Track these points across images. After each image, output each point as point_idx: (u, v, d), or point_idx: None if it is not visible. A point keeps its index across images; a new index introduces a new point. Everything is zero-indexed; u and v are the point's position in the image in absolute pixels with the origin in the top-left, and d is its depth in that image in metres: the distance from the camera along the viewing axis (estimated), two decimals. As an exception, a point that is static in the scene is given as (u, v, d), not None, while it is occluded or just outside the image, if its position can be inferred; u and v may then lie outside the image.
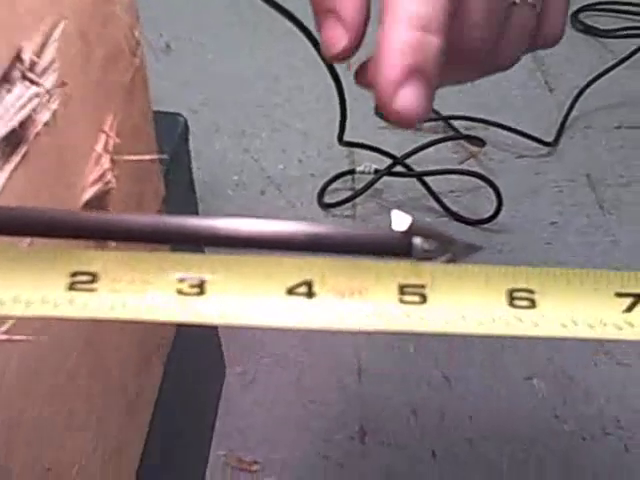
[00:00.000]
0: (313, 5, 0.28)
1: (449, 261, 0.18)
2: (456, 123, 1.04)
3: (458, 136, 1.00)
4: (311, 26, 0.77)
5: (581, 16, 1.22)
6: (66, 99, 0.27)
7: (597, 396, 0.73)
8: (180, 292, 0.17)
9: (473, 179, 0.93)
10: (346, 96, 0.95)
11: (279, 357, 0.77)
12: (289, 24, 0.64)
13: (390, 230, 0.18)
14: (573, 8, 1.25)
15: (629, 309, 0.17)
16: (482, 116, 1.04)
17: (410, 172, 0.94)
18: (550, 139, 1.01)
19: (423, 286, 0.17)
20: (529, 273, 0.18)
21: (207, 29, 1.24)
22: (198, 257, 0.18)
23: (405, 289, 0.17)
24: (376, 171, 0.94)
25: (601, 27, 1.21)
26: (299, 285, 0.17)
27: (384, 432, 0.71)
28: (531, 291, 0.17)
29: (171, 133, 0.50)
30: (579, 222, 0.91)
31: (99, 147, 0.32)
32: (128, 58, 0.35)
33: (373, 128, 1.05)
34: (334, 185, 0.96)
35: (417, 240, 0.18)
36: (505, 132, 1.01)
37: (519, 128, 1.01)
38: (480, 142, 0.97)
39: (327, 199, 0.94)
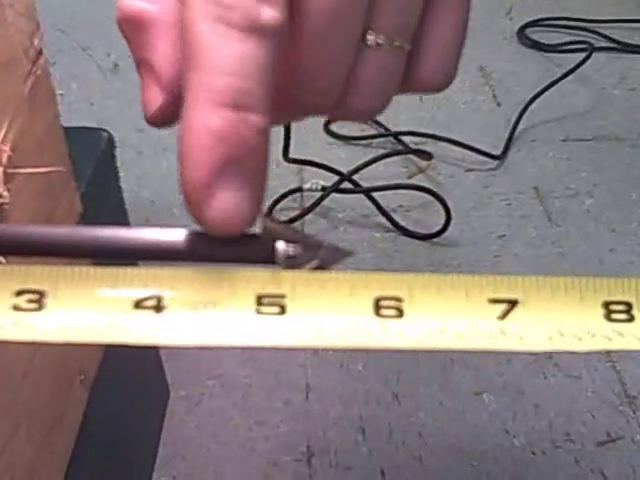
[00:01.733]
0: (131, 51, 0.22)
1: (316, 268, 0.17)
2: (406, 139, 1.04)
3: (405, 150, 1.00)
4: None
5: (527, 31, 1.24)
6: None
7: (547, 410, 0.73)
8: (17, 308, 0.16)
9: (422, 194, 0.93)
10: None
11: (225, 378, 0.75)
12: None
13: (250, 234, 0.17)
14: (519, 24, 1.27)
15: (503, 316, 0.16)
16: (431, 131, 1.04)
17: (358, 188, 0.93)
18: (498, 152, 1.01)
19: (283, 296, 0.16)
20: (397, 280, 0.16)
21: (155, 48, 1.23)
22: (37, 269, 0.16)
23: (263, 299, 0.16)
24: (324, 188, 0.93)
25: (546, 42, 1.22)
26: (147, 298, 0.16)
27: (332, 452, 0.69)
28: (399, 299, 0.16)
29: (93, 149, 0.49)
30: (527, 234, 0.91)
31: (-10, 161, 0.30)
32: (26, 67, 0.34)
33: (322, 143, 1.05)
34: (283, 203, 0.95)
35: (280, 245, 0.17)
36: (454, 146, 1.02)
37: (467, 142, 1.01)
38: (428, 156, 0.97)
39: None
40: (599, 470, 0.68)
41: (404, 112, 1.10)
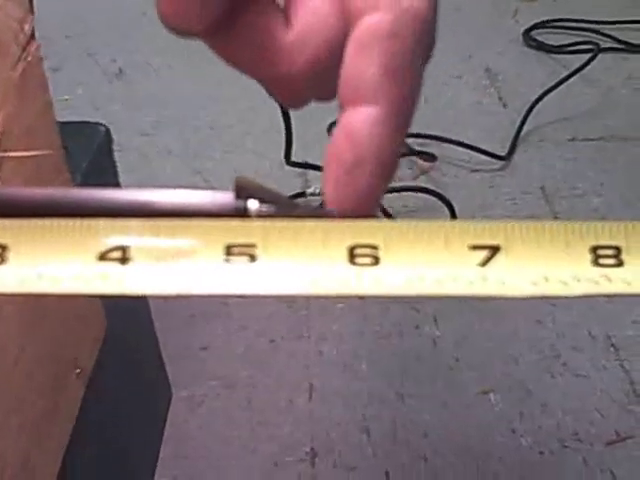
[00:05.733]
0: None
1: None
2: (410, 140, 1.04)
3: (408, 152, 0.99)
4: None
5: (533, 33, 1.23)
6: None
7: (554, 409, 0.71)
8: (-23, 260, 0.15)
9: (427, 195, 0.92)
10: (294, 115, 0.95)
11: (227, 379, 0.74)
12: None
13: (221, 192, 0.17)
14: (525, 26, 1.26)
15: (484, 263, 0.15)
16: (436, 132, 1.04)
17: (362, 189, 0.93)
18: (504, 153, 1.01)
19: (253, 245, 0.16)
20: (372, 228, 0.16)
21: (159, 53, 1.23)
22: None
23: (233, 249, 0.16)
24: (327, 190, 0.92)
25: (552, 43, 1.21)
26: (112, 250, 0.15)
27: (336, 453, 0.68)
28: (374, 247, 0.16)
29: (90, 142, 0.48)
30: (534, 234, 0.90)
31: (-24, 142, 0.30)
32: (15, 52, 0.33)
33: (326, 146, 1.04)
34: (287, 204, 0.94)
35: (253, 203, 0.17)
36: (459, 147, 1.01)
37: (473, 143, 1.00)
38: (431, 157, 0.96)
39: (279, 218, 0.92)
40: (608, 470, 0.66)
41: (409, 114, 1.10)
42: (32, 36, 0.36)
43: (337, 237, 0.16)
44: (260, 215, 0.16)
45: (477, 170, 1.00)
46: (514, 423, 0.70)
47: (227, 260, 0.15)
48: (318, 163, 0.97)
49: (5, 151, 0.33)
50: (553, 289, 0.15)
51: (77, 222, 0.16)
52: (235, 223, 0.16)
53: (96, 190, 0.18)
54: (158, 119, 1.09)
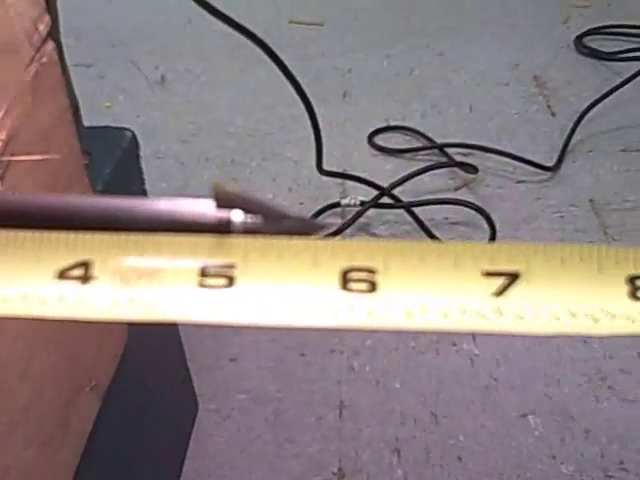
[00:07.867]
0: None
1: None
2: (453, 151, 1.01)
3: (448, 163, 0.96)
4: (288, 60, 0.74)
5: (585, 40, 1.19)
6: None
7: (599, 435, 0.67)
8: None
9: (468, 208, 0.89)
10: (335, 124, 0.93)
11: (255, 392, 0.72)
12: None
13: (201, 201, 0.15)
14: (577, 32, 1.22)
15: (499, 292, 0.13)
16: (481, 142, 1.01)
17: (397, 203, 0.90)
18: (551, 164, 0.97)
19: (232, 266, 0.14)
20: (371, 248, 0.13)
21: (201, 61, 1.23)
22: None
23: (208, 270, 0.13)
24: (362, 203, 0.90)
25: (605, 50, 1.17)
26: (73, 267, 0.13)
27: (364, 474, 0.65)
28: (372, 270, 0.13)
29: (114, 148, 0.47)
30: (581, 249, 0.86)
31: (-20, 145, 0.29)
32: (28, 53, 0.32)
33: (366, 155, 1.02)
34: (323, 216, 0.92)
35: (237, 215, 0.14)
36: (504, 158, 0.97)
37: (519, 154, 0.97)
38: (473, 169, 0.93)
39: (315, 228, 0.90)
40: (657, 503, 0.62)
41: (452, 124, 1.07)
42: (48, 36, 0.35)
43: (329, 258, 0.13)
44: (245, 228, 0.14)
45: (522, 181, 0.96)
46: (555, 449, 0.66)
47: (201, 283, 0.13)
48: (355, 173, 0.95)
49: (13, 155, 0.32)
50: (580, 326, 0.12)
51: (37, 234, 0.14)
52: (212, 240, 0.14)
53: (68, 196, 0.16)
54: (198, 126, 1.08)
